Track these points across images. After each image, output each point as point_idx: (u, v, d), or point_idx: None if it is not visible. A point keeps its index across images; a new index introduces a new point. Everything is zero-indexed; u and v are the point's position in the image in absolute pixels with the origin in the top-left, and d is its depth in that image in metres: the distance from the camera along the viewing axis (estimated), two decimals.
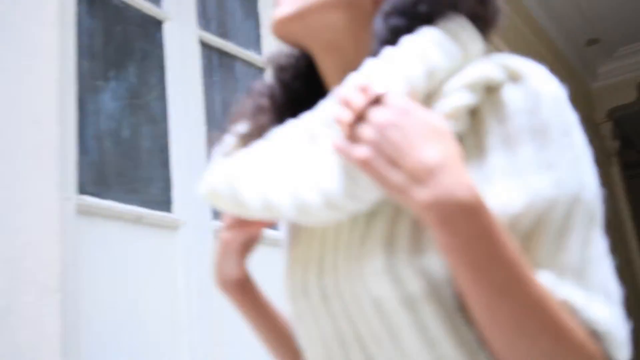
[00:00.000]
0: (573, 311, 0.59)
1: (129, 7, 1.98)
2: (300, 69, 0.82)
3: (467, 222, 0.55)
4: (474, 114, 0.64)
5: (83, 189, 1.61)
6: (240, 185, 0.69)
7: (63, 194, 1.45)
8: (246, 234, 0.83)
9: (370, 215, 0.66)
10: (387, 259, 0.63)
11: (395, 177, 0.56)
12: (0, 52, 1.38)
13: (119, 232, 1.69)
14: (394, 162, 0.56)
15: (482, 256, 0.56)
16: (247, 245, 0.85)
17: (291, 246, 0.79)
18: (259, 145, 0.73)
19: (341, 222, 0.68)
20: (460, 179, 0.55)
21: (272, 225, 0.85)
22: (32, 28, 1.46)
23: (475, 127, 0.64)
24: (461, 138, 0.63)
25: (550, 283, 0.59)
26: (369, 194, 0.61)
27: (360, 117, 0.59)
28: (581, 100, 5.24)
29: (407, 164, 0.56)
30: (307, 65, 0.82)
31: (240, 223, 0.83)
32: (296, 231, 0.79)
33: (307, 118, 0.70)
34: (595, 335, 0.60)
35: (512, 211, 0.60)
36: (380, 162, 0.57)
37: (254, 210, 0.68)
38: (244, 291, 0.87)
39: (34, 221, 1.34)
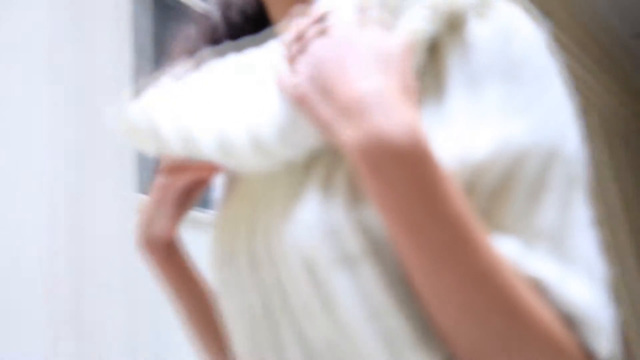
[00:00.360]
0: (542, 288, 0.48)
1: (181, 5, 2.04)
2: (248, 9, 0.73)
3: (400, 169, 0.45)
4: (433, 50, 0.54)
5: (143, 189, 1.61)
6: (160, 117, 0.59)
7: (123, 193, 1.46)
8: (187, 179, 0.71)
9: (308, 166, 0.56)
10: (321, 210, 0.52)
11: (325, 111, 0.48)
12: (58, 53, 1.40)
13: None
14: (326, 95, 0.48)
15: (419, 213, 0.46)
16: (186, 197, 0.73)
17: (223, 207, 0.68)
18: (190, 77, 0.63)
19: (278, 176, 0.58)
20: (397, 116, 0.46)
21: (217, 173, 0.72)
22: (89, 27, 1.48)
23: (434, 66, 0.54)
24: (417, 77, 0.53)
25: (515, 252, 0.49)
26: (304, 139, 0.53)
27: (301, 44, 0.52)
28: (629, 96, 5.15)
29: (338, 96, 0.47)
30: (258, 12, 0.73)
31: (182, 167, 0.70)
32: (230, 190, 0.68)
33: (250, 52, 0.61)
34: (571, 320, 0.49)
35: (474, 160, 0.49)
36: (313, 94, 0.49)
37: (173, 145, 0.58)
38: (169, 255, 0.74)
39: (97, 222, 1.35)
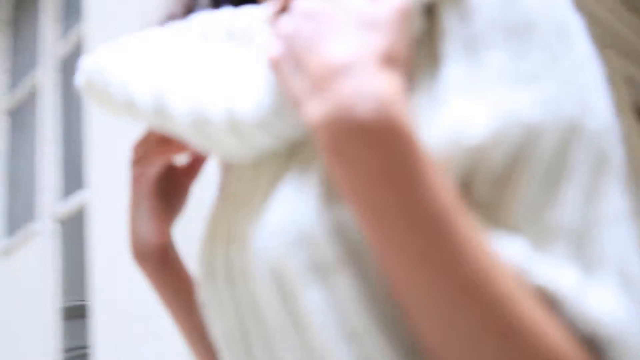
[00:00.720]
0: (555, 302, 0.38)
1: None
2: None
3: (365, 150, 0.37)
4: (430, 14, 0.45)
5: None
6: (133, 75, 0.50)
7: None
8: (160, 164, 0.59)
9: (289, 160, 0.48)
10: (292, 212, 0.44)
11: (296, 82, 0.40)
12: None
13: None
14: (300, 61, 0.41)
15: (389, 207, 0.37)
16: (170, 190, 0.61)
17: (211, 212, 0.58)
18: (173, 32, 0.53)
19: (261, 173, 0.50)
20: (368, 86, 0.37)
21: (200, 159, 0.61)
22: None
23: (430, 33, 0.45)
24: (412, 47, 0.44)
25: (522, 256, 0.39)
26: (288, 125, 0.44)
27: (286, 1, 0.45)
28: None
29: (309, 64, 0.39)
30: None
31: (152, 151, 0.58)
32: (220, 191, 0.60)
33: (246, 11, 0.52)
34: (594, 342, 0.38)
35: (471, 141, 0.40)
36: (289, 61, 0.41)
37: (142, 109, 0.49)
38: (161, 264, 0.62)
39: None
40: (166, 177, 0.61)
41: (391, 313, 0.41)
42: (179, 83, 0.48)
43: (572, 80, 0.42)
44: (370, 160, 0.37)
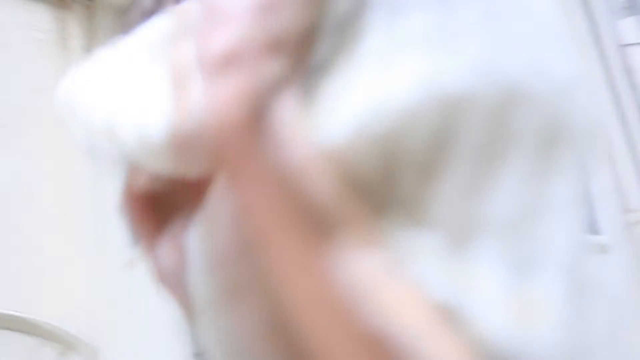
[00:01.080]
0: (457, 319, 0.31)
1: None
2: None
3: (229, 155, 0.34)
4: None
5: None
6: (91, 101, 0.47)
7: None
8: (146, 179, 0.52)
9: None
10: (211, 232, 0.40)
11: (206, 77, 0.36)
12: None
13: None
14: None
15: (251, 216, 0.34)
16: (165, 201, 0.52)
17: None
18: (124, 44, 0.49)
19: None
20: (238, 79, 0.33)
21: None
22: None
23: (357, 6, 0.37)
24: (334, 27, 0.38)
25: (429, 260, 0.32)
26: None
27: None
28: None
29: (201, 61, 0.36)
30: None
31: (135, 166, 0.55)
32: None
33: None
34: None
35: (384, 125, 0.33)
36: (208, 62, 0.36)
37: (98, 134, 0.45)
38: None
39: None
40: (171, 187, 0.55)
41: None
42: (126, 106, 0.45)
43: (515, 38, 0.35)
44: (231, 164, 0.34)
